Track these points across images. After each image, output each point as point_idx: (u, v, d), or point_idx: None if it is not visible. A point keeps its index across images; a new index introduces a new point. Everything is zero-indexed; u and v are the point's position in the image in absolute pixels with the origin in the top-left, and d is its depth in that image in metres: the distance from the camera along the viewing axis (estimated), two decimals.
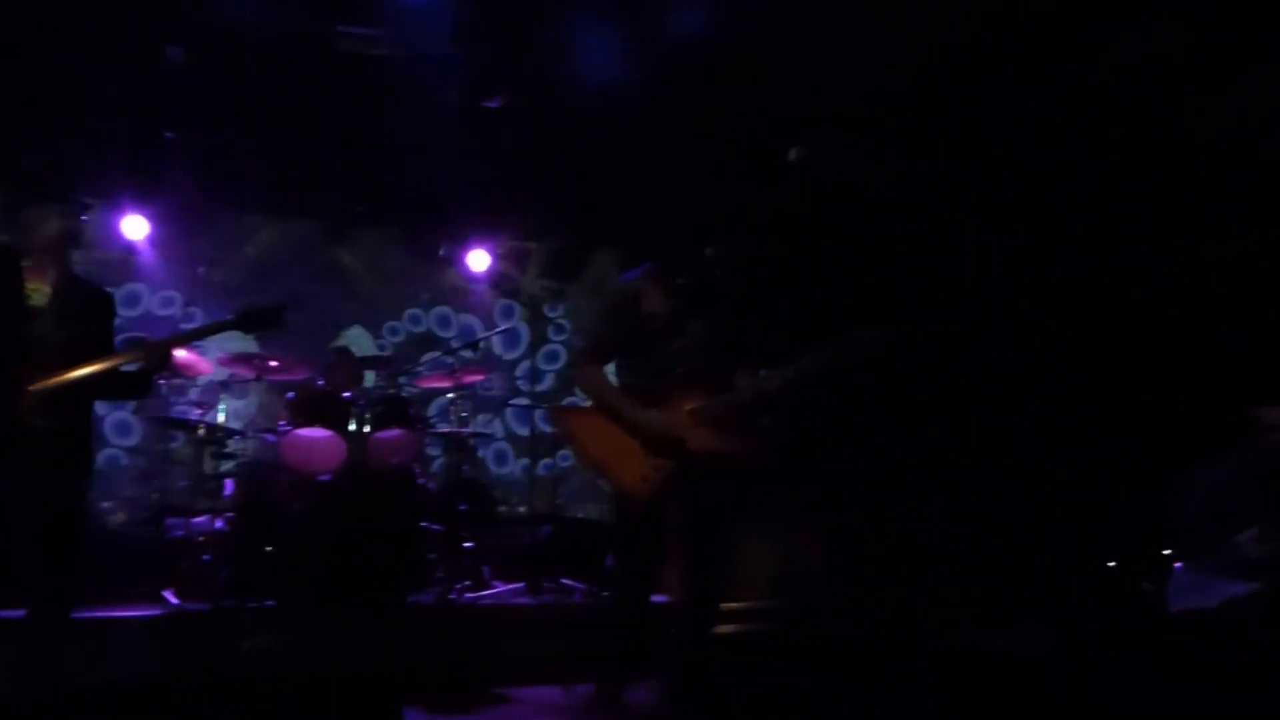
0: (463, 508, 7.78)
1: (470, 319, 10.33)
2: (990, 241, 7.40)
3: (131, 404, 8.60)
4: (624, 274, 4.98)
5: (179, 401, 7.60)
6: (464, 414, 8.08)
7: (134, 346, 4.90)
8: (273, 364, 7.36)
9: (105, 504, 7.92)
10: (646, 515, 4.63)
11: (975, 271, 7.42)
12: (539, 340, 10.51)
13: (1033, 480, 7.39)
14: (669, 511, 4.69)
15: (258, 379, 7.51)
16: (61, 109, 7.79)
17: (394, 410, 7.42)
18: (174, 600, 6.41)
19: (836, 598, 7.11)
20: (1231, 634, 5.36)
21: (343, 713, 3.10)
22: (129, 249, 8.94)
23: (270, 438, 7.44)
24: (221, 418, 7.43)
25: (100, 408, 8.44)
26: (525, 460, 10.10)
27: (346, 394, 7.33)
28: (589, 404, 4.74)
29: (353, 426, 7.15)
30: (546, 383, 10.45)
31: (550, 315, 10.56)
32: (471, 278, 10.00)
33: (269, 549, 6.69)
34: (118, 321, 4.87)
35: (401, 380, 8.15)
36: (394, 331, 10.06)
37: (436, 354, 9.23)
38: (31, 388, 4.33)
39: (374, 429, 7.22)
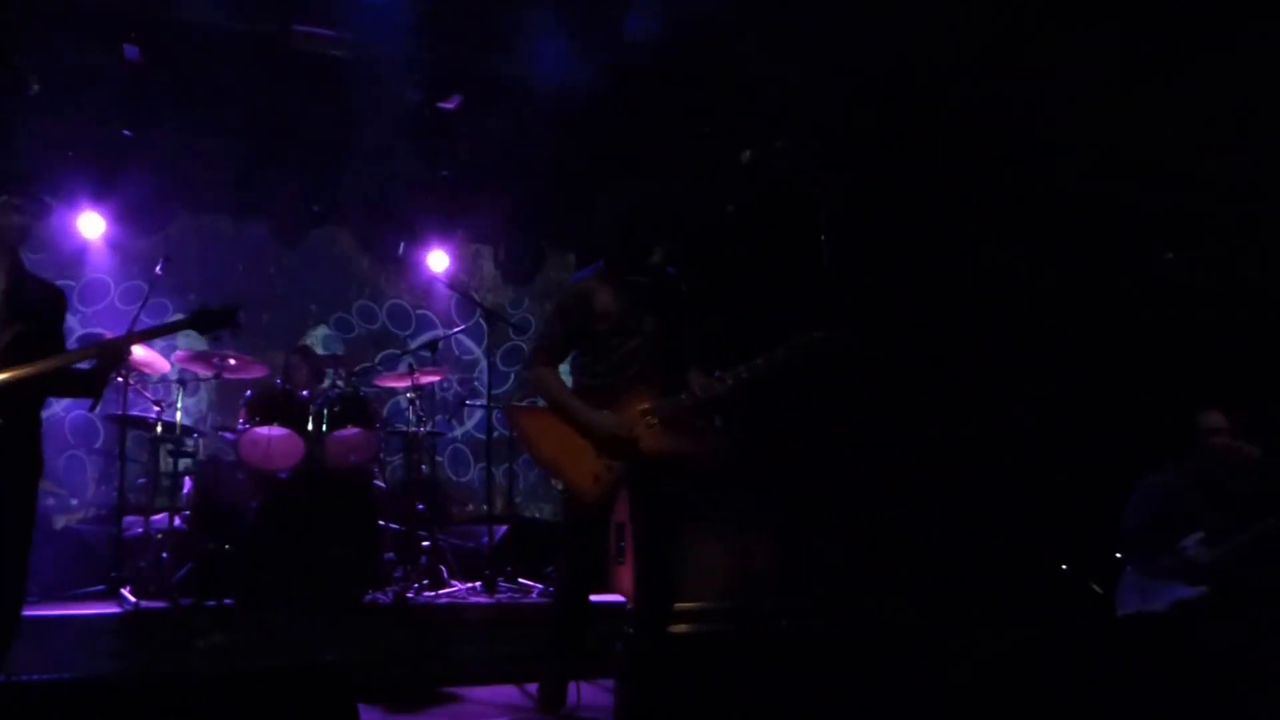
0: (420, 507, 7.82)
1: (429, 318, 10.33)
2: (939, 244, 7.50)
3: (88, 402, 8.53)
4: (576, 273, 5.03)
5: (137, 400, 7.59)
6: (422, 414, 8.10)
7: (89, 345, 4.84)
8: (231, 362, 7.36)
9: (52, 500, 7.90)
10: (598, 515, 4.69)
11: (926, 275, 7.52)
12: (498, 340, 10.52)
13: (983, 483, 7.49)
14: (628, 511, 4.75)
15: (216, 377, 7.51)
16: (18, 106, 7.74)
17: (352, 409, 7.43)
18: (131, 599, 6.40)
19: (791, 598, 7.16)
20: (1180, 636, 5.46)
21: (299, 711, 3.11)
22: (84, 246, 8.91)
23: (228, 436, 7.44)
24: (179, 416, 7.42)
25: (59, 406, 8.45)
26: (483, 460, 10.11)
27: (304, 393, 7.35)
28: (543, 403, 4.79)
29: (311, 425, 7.18)
30: (506, 383, 10.47)
31: (509, 316, 10.59)
32: (430, 278, 10.00)
33: (227, 547, 6.71)
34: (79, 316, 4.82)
35: (359, 380, 8.15)
36: (352, 331, 10.05)
37: (394, 353, 9.24)
38: None
39: (332, 428, 7.23)
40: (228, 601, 6.39)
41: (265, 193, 9.17)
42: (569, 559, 4.87)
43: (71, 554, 7.13)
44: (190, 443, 7.50)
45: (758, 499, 7.40)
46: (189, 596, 6.44)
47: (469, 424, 10.26)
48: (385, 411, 9.26)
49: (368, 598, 6.78)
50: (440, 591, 7.30)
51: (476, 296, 9.32)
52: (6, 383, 4.30)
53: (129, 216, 8.87)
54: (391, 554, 7.33)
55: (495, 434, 8.60)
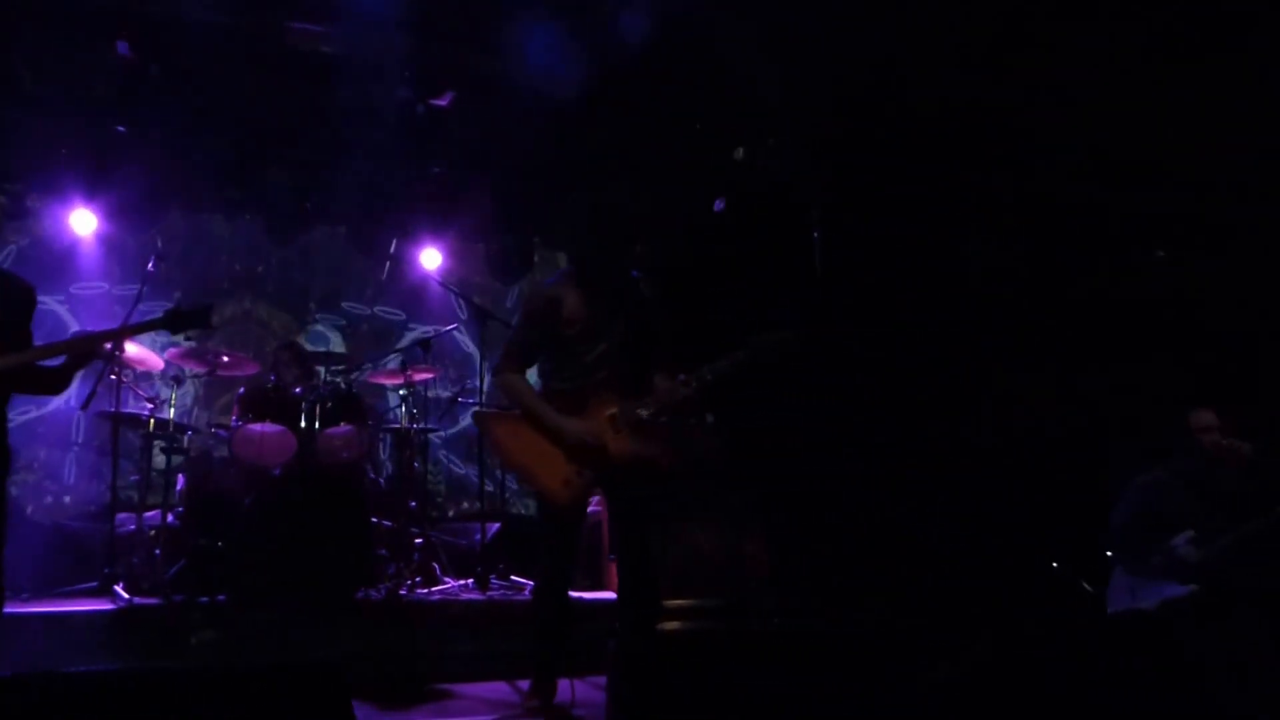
0: (412, 504, 7.83)
1: (421, 315, 10.32)
2: (931, 243, 7.51)
3: (81, 399, 8.53)
4: (547, 279, 5.04)
5: (129, 397, 7.58)
6: (414, 410, 8.10)
7: (55, 343, 4.69)
8: (224, 359, 7.35)
9: (49, 498, 7.90)
10: (573, 518, 4.73)
11: (919, 274, 7.53)
12: (490, 337, 10.49)
13: (974, 482, 7.50)
14: (608, 512, 4.77)
15: (210, 374, 7.50)
16: (10, 103, 7.73)
17: (344, 406, 7.44)
18: (124, 595, 6.39)
19: (784, 597, 7.18)
20: (1170, 634, 5.47)
21: (292, 707, 3.11)
22: (76, 243, 8.90)
23: (221, 433, 7.44)
24: (172, 413, 7.42)
25: (53, 402, 8.43)
26: (475, 457, 10.10)
27: (297, 390, 7.35)
28: (513, 409, 4.79)
29: (303, 422, 7.18)
30: None
31: (501, 314, 10.57)
32: (423, 275, 9.99)
33: (219, 544, 6.71)
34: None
35: (352, 376, 8.14)
36: (345, 328, 10.05)
37: (387, 351, 9.22)
38: None
39: (324, 425, 7.24)
40: (220, 598, 6.39)
41: (258, 189, 9.14)
42: (546, 559, 4.91)
43: (64, 551, 7.14)
44: (183, 439, 7.49)
45: (751, 497, 7.42)
46: (182, 593, 6.43)
47: (461, 421, 10.25)
48: (378, 408, 9.25)
49: (360, 594, 6.77)
50: (432, 588, 7.30)
51: (468, 294, 9.31)
52: None
53: (122, 213, 8.83)
54: (384, 551, 7.32)
55: None
